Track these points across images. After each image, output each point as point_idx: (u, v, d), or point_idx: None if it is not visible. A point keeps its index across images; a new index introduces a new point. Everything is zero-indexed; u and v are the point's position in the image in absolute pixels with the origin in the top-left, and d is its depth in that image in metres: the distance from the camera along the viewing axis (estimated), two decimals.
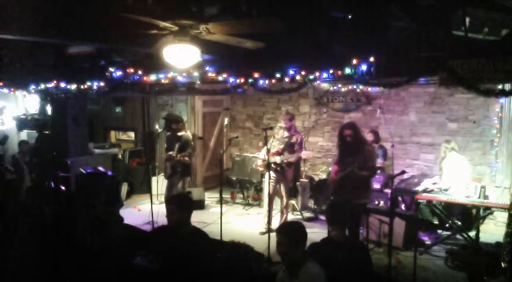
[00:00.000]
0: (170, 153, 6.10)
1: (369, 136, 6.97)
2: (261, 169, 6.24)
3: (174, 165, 6.09)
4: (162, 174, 6.43)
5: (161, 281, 3.32)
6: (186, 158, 6.05)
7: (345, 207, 3.64)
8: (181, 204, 3.50)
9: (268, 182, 6.10)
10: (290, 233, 2.90)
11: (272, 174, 6.04)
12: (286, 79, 4.97)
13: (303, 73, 4.80)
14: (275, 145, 6.04)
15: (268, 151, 5.77)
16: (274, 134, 6.18)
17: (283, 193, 6.17)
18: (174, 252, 3.32)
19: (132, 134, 10.10)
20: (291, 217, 6.89)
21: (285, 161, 5.92)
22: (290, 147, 5.96)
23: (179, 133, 6.20)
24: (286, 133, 6.02)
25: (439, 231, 5.88)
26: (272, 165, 5.92)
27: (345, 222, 3.39)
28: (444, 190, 5.66)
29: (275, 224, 6.28)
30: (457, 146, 6.02)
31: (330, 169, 7.59)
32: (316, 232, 6.12)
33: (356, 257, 3.23)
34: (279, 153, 5.95)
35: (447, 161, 5.88)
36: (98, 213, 3.32)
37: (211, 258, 3.18)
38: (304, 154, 6.15)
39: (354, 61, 4.44)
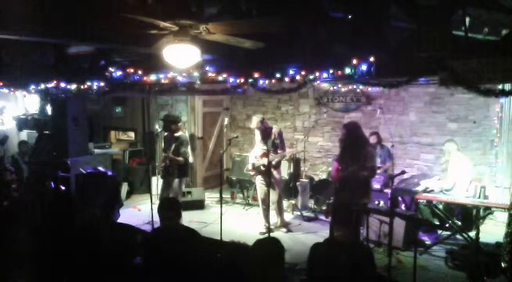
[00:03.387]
0: (164, 154, 6.13)
1: (372, 139, 6.98)
2: (252, 173, 6.25)
3: (168, 166, 6.10)
4: (160, 174, 6.38)
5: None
6: (180, 158, 6.07)
7: (349, 207, 3.64)
8: (175, 208, 3.58)
9: (259, 185, 6.15)
10: (274, 255, 2.44)
11: (260, 177, 6.07)
12: (286, 79, 4.97)
13: (303, 73, 4.80)
14: (259, 146, 6.05)
15: (268, 152, 5.81)
16: (254, 137, 6.19)
17: (276, 193, 6.12)
18: (167, 253, 3.35)
19: (132, 134, 10.10)
20: (291, 217, 6.90)
21: (273, 162, 5.93)
22: (273, 146, 5.95)
23: (177, 134, 6.19)
24: (262, 135, 6.00)
25: (439, 231, 5.88)
26: (261, 167, 5.96)
27: (348, 223, 3.38)
28: (446, 190, 5.66)
29: (275, 224, 6.33)
30: (460, 145, 6.01)
31: (330, 169, 7.62)
32: (316, 232, 6.16)
33: (359, 258, 3.22)
34: (266, 155, 5.91)
35: (452, 161, 5.86)
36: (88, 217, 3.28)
37: (204, 253, 3.18)
38: (288, 152, 6.24)
39: (354, 61, 4.44)
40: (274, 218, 6.35)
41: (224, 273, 2.64)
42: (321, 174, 8.03)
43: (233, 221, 6.76)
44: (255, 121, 5.99)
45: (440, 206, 5.57)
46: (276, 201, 6.14)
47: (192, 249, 3.32)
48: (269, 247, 2.50)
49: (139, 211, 7.30)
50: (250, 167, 6.24)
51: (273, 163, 5.95)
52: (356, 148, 4.90)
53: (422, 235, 5.80)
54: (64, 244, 3.41)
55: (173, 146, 6.09)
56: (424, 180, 6.02)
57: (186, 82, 6.02)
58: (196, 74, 5.56)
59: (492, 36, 4.71)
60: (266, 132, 5.96)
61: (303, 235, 6.16)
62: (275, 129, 6.05)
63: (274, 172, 6.03)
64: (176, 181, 6.14)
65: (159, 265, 3.36)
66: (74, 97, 6.74)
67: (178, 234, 3.45)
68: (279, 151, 5.98)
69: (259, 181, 6.13)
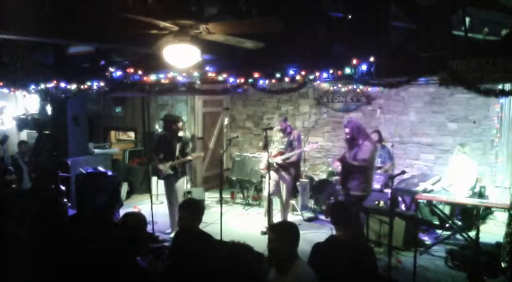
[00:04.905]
0: (159, 164, 6.10)
1: (373, 136, 7.01)
2: (264, 171, 6.26)
3: (176, 166, 6.07)
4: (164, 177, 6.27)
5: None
6: (189, 158, 6.10)
7: (348, 207, 3.64)
8: (193, 210, 3.55)
9: (268, 182, 6.12)
10: (284, 232, 2.94)
11: (274, 174, 6.06)
12: (286, 79, 4.97)
13: (303, 73, 4.80)
14: (276, 145, 6.14)
15: (269, 152, 5.82)
16: (272, 137, 6.27)
17: (284, 193, 6.16)
18: (181, 254, 3.37)
19: (132, 134, 10.10)
20: (291, 217, 6.89)
21: (289, 160, 6.00)
22: (290, 146, 6.05)
23: (180, 134, 6.17)
24: (282, 134, 6.12)
25: (439, 231, 5.88)
26: (275, 165, 5.98)
27: (348, 222, 3.38)
28: (446, 187, 5.68)
29: None
30: (470, 149, 6.10)
31: (330, 169, 7.63)
32: (316, 232, 6.15)
33: (360, 257, 3.22)
34: (282, 154, 6.01)
35: (455, 161, 5.92)
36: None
37: (212, 258, 3.19)
38: (308, 147, 6.33)
39: (354, 61, 4.44)
40: (276, 218, 6.34)
41: (224, 273, 2.63)
42: (321, 174, 8.02)
43: (233, 221, 6.76)
44: (277, 119, 6.19)
45: (440, 206, 5.58)
46: (285, 199, 6.20)
47: (202, 256, 3.29)
48: (289, 226, 3.05)
49: (139, 211, 7.29)
50: (262, 166, 6.29)
51: (291, 160, 6.04)
52: (354, 142, 5.12)
53: (422, 235, 5.81)
54: (62, 243, 3.41)
55: (178, 147, 6.04)
56: (423, 183, 6.02)
57: (186, 82, 6.02)
58: (196, 74, 5.56)
59: (492, 36, 4.71)
60: (286, 132, 6.09)
61: (304, 234, 6.12)
62: (295, 131, 6.23)
63: (291, 169, 6.12)
64: (182, 180, 6.16)
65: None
66: (74, 97, 6.75)
67: (191, 240, 3.43)
68: (295, 151, 6.09)
69: (273, 177, 6.06)
